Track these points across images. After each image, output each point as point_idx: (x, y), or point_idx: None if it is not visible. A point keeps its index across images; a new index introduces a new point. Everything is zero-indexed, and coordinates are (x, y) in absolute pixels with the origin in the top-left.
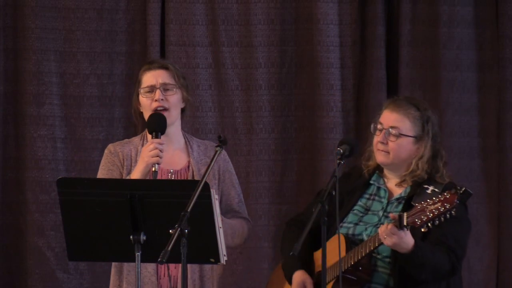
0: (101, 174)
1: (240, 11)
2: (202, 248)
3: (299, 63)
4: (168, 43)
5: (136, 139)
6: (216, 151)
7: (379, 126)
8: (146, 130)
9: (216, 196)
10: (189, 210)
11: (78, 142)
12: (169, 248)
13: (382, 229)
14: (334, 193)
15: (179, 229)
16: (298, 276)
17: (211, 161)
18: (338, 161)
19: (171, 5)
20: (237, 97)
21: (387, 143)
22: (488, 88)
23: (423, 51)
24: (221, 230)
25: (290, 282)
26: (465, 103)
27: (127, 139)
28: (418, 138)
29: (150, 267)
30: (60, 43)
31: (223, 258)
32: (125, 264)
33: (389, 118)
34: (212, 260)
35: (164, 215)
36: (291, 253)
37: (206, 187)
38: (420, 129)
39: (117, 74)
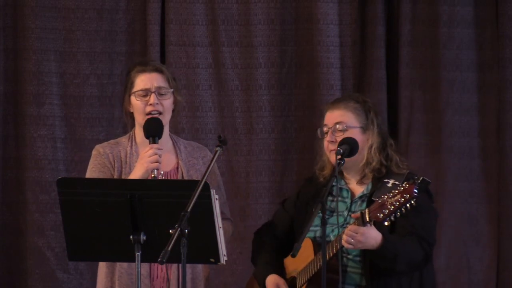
0: (92, 176)
1: (240, 11)
2: (202, 248)
3: (299, 63)
4: (168, 43)
5: (123, 140)
6: (216, 151)
7: (325, 129)
8: (134, 130)
9: (216, 196)
10: (189, 210)
11: (78, 142)
12: (169, 248)
13: (344, 238)
14: (334, 194)
15: (179, 229)
16: (271, 279)
17: (211, 161)
18: (338, 161)
19: (171, 5)
20: (237, 97)
21: (336, 141)
22: (488, 88)
23: (423, 51)
24: (221, 230)
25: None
26: (465, 103)
27: (113, 140)
28: (364, 128)
29: (143, 269)
30: (60, 43)
31: (223, 258)
32: (117, 266)
33: (332, 116)
34: (212, 260)
35: (164, 215)
36: (291, 253)
37: (206, 187)
38: (364, 118)
39: (117, 74)
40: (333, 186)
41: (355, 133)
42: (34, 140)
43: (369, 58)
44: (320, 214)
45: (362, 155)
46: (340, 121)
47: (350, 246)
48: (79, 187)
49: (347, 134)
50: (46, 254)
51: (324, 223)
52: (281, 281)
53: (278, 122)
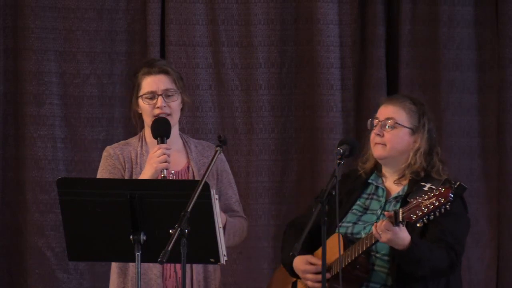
0: (102, 178)
1: (240, 11)
2: (202, 248)
3: (299, 63)
4: (168, 43)
5: (133, 140)
6: (216, 151)
7: (375, 121)
8: (143, 131)
9: (216, 196)
10: (189, 210)
11: (78, 142)
12: (169, 248)
13: (376, 226)
14: (334, 193)
15: (179, 229)
16: (298, 259)
17: (211, 161)
18: (338, 161)
19: (171, 5)
20: (237, 97)
21: (383, 135)
22: (488, 88)
23: (423, 51)
24: (221, 230)
25: (292, 275)
26: (465, 103)
27: (123, 141)
28: (414, 130)
29: (156, 269)
30: (60, 43)
31: (223, 258)
32: (130, 266)
33: (385, 111)
34: (212, 260)
35: (164, 215)
36: (291, 253)
37: (206, 187)
38: (416, 121)
39: (117, 74)
40: (370, 184)
41: (403, 133)
42: (34, 140)
43: (369, 58)
44: (354, 210)
45: (406, 156)
46: (391, 117)
47: (377, 236)
48: (79, 187)
49: (395, 132)
50: (46, 254)
51: (324, 223)
52: (307, 256)
53: (278, 122)
